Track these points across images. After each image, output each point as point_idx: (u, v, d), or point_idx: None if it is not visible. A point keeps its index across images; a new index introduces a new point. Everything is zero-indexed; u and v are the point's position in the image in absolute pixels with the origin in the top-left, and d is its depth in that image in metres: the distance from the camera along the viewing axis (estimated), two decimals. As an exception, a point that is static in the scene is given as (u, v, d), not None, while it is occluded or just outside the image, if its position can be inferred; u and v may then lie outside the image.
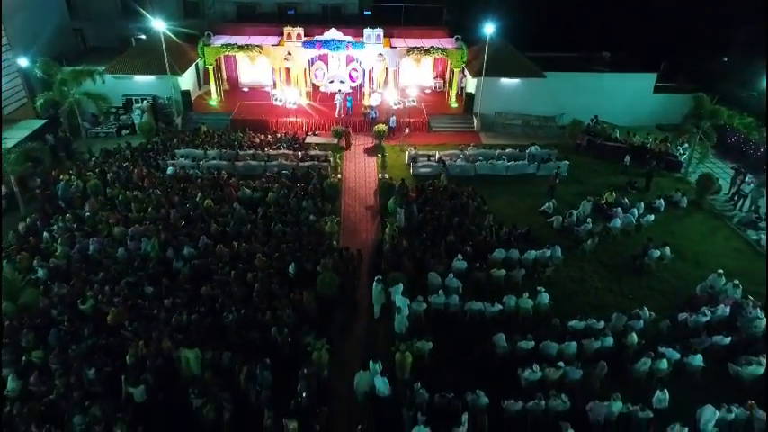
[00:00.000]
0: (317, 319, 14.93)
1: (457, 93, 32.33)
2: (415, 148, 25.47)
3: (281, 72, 30.76)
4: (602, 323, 14.53)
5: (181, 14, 34.50)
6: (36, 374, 12.42)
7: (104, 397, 11.93)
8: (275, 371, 12.70)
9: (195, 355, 12.61)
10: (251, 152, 24.70)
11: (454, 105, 31.92)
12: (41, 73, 24.06)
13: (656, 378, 13.19)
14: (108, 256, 16.91)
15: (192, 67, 31.07)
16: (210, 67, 30.14)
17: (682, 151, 25.79)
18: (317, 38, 29.33)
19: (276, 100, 28.27)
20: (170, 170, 22.67)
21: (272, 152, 24.86)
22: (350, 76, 31.14)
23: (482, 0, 37.34)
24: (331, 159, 23.81)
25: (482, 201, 21.47)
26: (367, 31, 29.44)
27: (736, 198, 22.79)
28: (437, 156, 25.19)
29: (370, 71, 30.84)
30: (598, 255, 18.99)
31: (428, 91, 33.90)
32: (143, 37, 33.41)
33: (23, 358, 13.02)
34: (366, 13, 33.61)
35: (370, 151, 27.04)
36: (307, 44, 29.35)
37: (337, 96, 29.49)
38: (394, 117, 28.28)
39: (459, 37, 30.47)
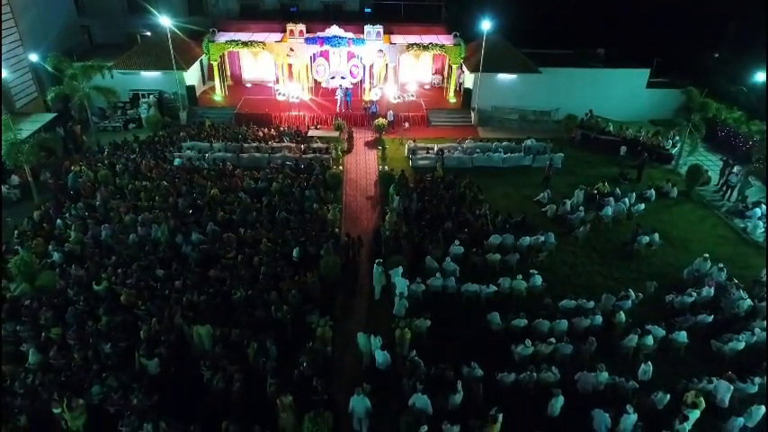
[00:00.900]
0: (320, 299, 15.56)
1: (455, 88, 32.95)
2: (414, 142, 26.11)
3: (283, 68, 31.35)
4: (591, 303, 15.16)
5: (185, 12, 35.06)
6: (55, 349, 13.05)
7: (121, 369, 12.56)
8: (280, 347, 13.36)
9: (207, 330, 13.25)
10: (255, 145, 25.32)
11: (452, 100, 32.54)
12: (51, 68, 24.64)
13: (642, 353, 13.84)
14: (120, 242, 17.54)
15: (197, 63, 31.66)
16: (215, 63, 30.75)
17: (672, 144, 26.39)
18: (319, 34, 29.93)
19: (279, 95, 28.87)
20: (177, 161, 23.29)
21: (275, 145, 25.48)
22: (351, 72, 31.71)
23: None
24: (333, 151, 24.43)
25: (479, 191, 22.07)
26: (367, 27, 30.04)
27: (724, 189, 23.42)
28: (435, 148, 25.83)
29: (371, 67, 31.43)
30: (590, 241, 19.63)
31: (427, 86, 34.51)
32: (148, 34, 34.06)
33: (42, 334, 13.67)
34: (367, 10, 34.21)
35: (370, 144, 27.67)
36: (309, 40, 29.95)
37: (338, 91, 30.12)
38: (391, 111, 28.88)
39: (458, 33, 31.10)
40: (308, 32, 30.47)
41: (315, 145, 25.64)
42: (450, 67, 32.55)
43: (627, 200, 21.51)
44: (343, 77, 31.72)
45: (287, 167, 22.99)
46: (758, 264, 18.13)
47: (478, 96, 30.14)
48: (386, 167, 24.49)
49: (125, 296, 14.79)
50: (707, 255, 17.30)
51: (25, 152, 20.02)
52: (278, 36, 31.46)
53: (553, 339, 13.63)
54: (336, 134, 27.70)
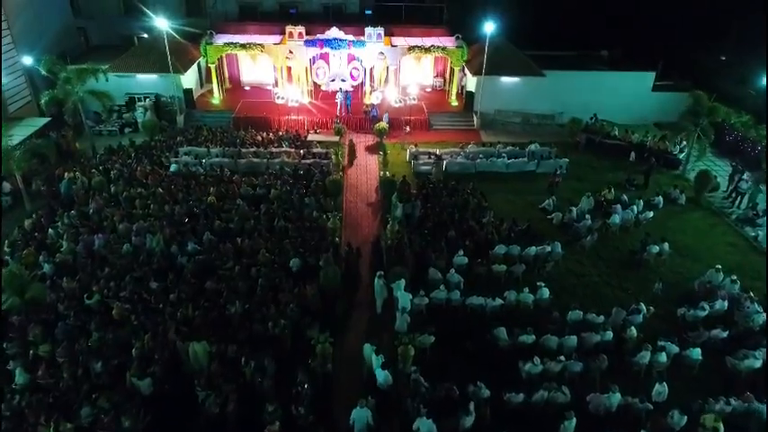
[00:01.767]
0: (320, 312, 15.03)
1: (457, 91, 32.42)
2: (415, 146, 25.58)
3: (282, 70, 30.83)
4: (601, 318, 14.63)
5: (183, 13, 34.53)
6: (44, 367, 12.52)
7: (112, 389, 12.02)
8: (279, 363, 12.84)
9: (203, 347, 12.71)
10: (253, 150, 24.78)
11: (454, 104, 32.01)
12: (45, 71, 24.08)
13: (656, 371, 13.31)
14: (113, 252, 17.00)
15: (195, 66, 31.14)
16: (213, 66, 30.22)
17: (680, 149, 25.87)
18: (319, 36, 29.42)
19: (278, 98, 28.35)
20: (173, 167, 22.76)
21: (274, 150, 24.94)
22: (351, 75, 31.17)
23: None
24: (333, 157, 23.88)
25: (482, 197, 21.58)
26: (368, 29, 29.53)
27: (733, 195, 22.90)
28: (437, 152, 25.31)
29: (371, 69, 30.92)
30: (597, 250, 19.11)
31: (429, 89, 34.01)
32: (145, 36, 33.46)
33: (30, 352, 13.13)
34: (367, 12, 33.68)
35: (371, 149, 27.13)
36: (308, 43, 29.43)
37: (338, 95, 29.60)
38: (387, 114, 28.31)
39: (460, 36, 30.57)
40: (307, 34, 29.96)
41: (314, 150, 25.12)
42: (452, 69, 32.03)
43: (634, 207, 20.98)
44: (343, 80, 31.20)
45: (286, 173, 22.47)
46: (771, 274, 17.62)
47: (481, 100, 29.59)
48: (387, 173, 23.95)
49: (117, 310, 14.26)
50: (719, 266, 16.74)
51: (16, 159, 19.46)
52: (277, 38, 30.94)
53: (562, 357, 13.11)
54: (336, 138, 27.18)
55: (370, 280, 16.65)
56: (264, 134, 27.12)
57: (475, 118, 30.19)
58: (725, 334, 14.30)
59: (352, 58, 30.67)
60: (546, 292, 15.65)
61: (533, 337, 13.79)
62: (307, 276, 16.01)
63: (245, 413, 11.82)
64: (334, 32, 29.39)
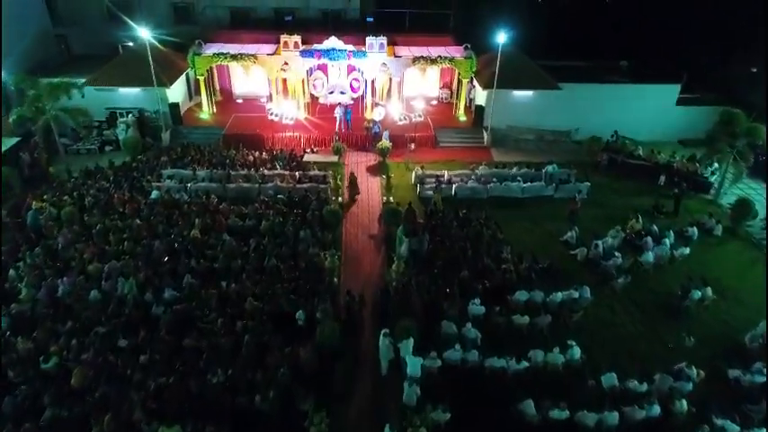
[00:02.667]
0: (315, 376, 13.10)
1: (465, 104, 30.51)
2: (422, 168, 23.65)
3: (277, 83, 28.95)
4: (644, 386, 12.68)
5: (171, 20, 32.70)
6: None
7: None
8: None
9: (174, 433, 10.77)
10: (244, 173, 22.87)
11: (462, 118, 30.10)
12: (14, 87, 22.18)
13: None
14: (79, 299, 15.06)
15: (183, 77, 29.28)
16: (201, 78, 28.31)
17: (711, 171, 23.95)
18: (316, 46, 27.53)
19: (272, 115, 26.47)
20: (154, 194, 20.83)
21: (267, 172, 23.02)
22: (351, 87, 29.27)
23: (490, 6, 35.53)
24: (331, 181, 21.93)
25: (497, 228, 19.68)
26: (369, 39, 27.64)
27: (774, 224, 21.00)
28: (445, 176, 23.41)
29: (373, 81, 29.06)
30: (629, 293, 17.18)
31: (434, 102, 32.15)
32: (131, 44, 31.61)
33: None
34: (368, 19, 31.78)
35: (372, 170, 25.22)
36: (305, 53, 27.53)
37: (337, 109, 27.69)
38: (387, 132, 26.39)
39: (468, 45, 28.67)
40: (304, 44, 28.09)
41: (311, 173, 23.19)
42: (459, 81, 30.17)
43: (666, 240, 19.07)
44: (342, 92, 29.33)
45: (279, 201, 20.57)
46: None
47: (492, 114, 27.67)
48: (391, 198, 22.09)
49: (77, 377, 12.32)
50: (773, 317, 14.82)
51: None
52: (271, 47, 29.07)
53: (603, 440, 11.18)
54: (335, 158, 25.29)
55: (373, 331, 14.78)
56: (257, 153, 25.20)
57: (485, 134, 28.29)
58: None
59: (352, 69, 28.80)
60: (577, 352, 13.71)
61: (567, 413, 11.83)
62: (301, 329, 14.13)
63: None
64: (332, 42, 27.50)
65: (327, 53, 27.37)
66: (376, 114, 27.06)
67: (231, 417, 11.71)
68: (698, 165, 23.95)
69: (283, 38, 27.53)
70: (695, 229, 20.04)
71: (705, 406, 12.43)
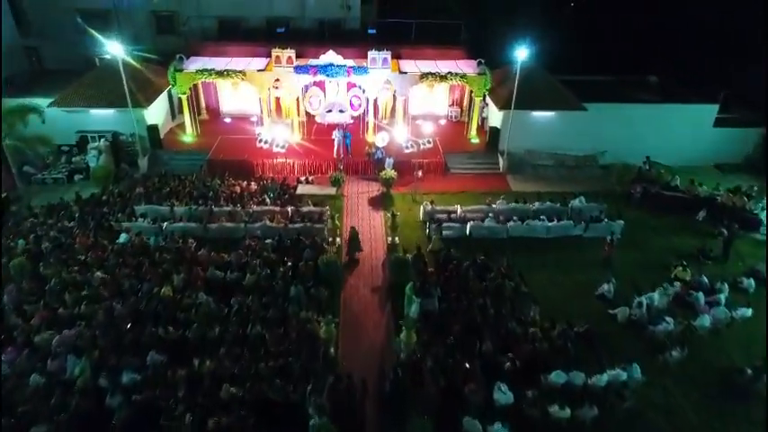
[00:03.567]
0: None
1: (477, 124, 27.96)
2: (431, 204, 21.10)
3: (270, 101, 26.46)
4: None
5: (153, 31, 30.29)
6: None
7: None
8: None
9: None
10: (228, 209, 20.35)
11: (474, 140, 27.57)
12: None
13: None
14: (18, 387, 12.50)
15: (164, 95, 26.82)
16: (184, 96, 25.77)
17: (762, 206, 21.41)
18: (312, 62, 25.01)
19: (261, 142, 23.97)
20: (123, 238, 18.31)
21: (255, 208, 20.51)
22: (351, 104, 26.68)
23: (505, 15, 33.07)
24: (329, 221, 19.37)
25: (521, 280, 17.16)
26: (372, 53, 25.14)
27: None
28: (458, 211, 20.92)
29: (375, 100, 26.59)
30: (684, 367, 14.60)
31: (443, 121, 29.67)
32: (109, 57, 29.09)
33: None
34: (370, 31, 29.34)
35: (375, 202, 22.70)
36: (299, 69, 25.02)
37: (335, 133, 25.15)
38: (391, 159, 23.90)
39: (482, 61, 26.18)
40: (299, 57, 25.61)
41: (305, 209, 20.66)
42: (471, 97, 27.69)
43: (722, 296, 16.54)
44: (341, 111, 26.71)
45: (267, 247, 18.04)
46: None
47: (509, 137, 25.14)
48: (396, 239, 19.58)
49: None
50: None
51: None
52: (262, 62, 26.59)
53: None
54: (333, 191, 22.78)
55: (376, 421, 12.27)
56: (244, 183, 22.71)
57: (501, 159, 25.75)
58: None
59: (352, 85, 26.29)
60: (635, 463, 11.13)
61: None
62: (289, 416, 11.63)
63: None
64: (330, 57, 24.99)
65: (324, 69, 24.85)
66: (379, 140, 24.50)
67: None
68: (745, 199, 21.40)
69: (275, 52, 25.04)
70: (751, 280, 17.50)
71: None
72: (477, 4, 33.28)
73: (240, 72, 25.23)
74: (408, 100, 27.13)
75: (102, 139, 24.32)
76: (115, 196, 21.38)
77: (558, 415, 12.27)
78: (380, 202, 22.63)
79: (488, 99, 26.95)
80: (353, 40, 29.00)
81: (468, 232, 20.08)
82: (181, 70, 25.15)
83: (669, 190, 22.84)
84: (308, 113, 27.18)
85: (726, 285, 17.11)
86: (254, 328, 14.36)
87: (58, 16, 29.45)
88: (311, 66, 24.92)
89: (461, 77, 25.87)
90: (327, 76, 25.12)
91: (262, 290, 16.02)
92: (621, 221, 20.40)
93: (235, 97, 28.98)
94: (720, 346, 15.35)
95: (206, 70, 25.09)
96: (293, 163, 24.71)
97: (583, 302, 16.90)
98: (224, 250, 17.91)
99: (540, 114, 25.64)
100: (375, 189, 23.66)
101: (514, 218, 20.34)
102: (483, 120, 28.38)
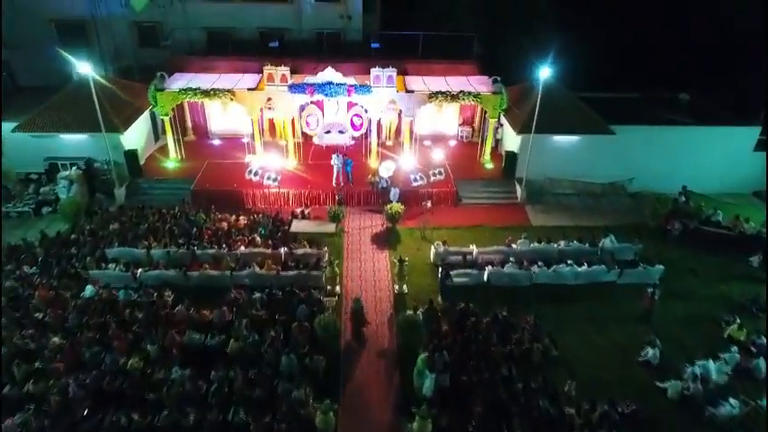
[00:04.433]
0: None
1: (492, 147, 25.73)
2: (443, 244, 18.86)
3: (261, 122, 24.28)
4: None
5: (134, 43, 28.16)
6: None
7: None
8: None
9: None
10: (212, 251, 18.15)
11: (488, 165, 25.32)
12: None
13: None
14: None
15: (146, 115, 24.72)
16: (166, 118, 23.58)
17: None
18: (309, 80, 22.82)
19: (251, 173, 21.79)
20: (89, 291, 16.15)
21: (243, 250, 18.30)
22: (352, 123, 24.43)
23: (520, 27, 30.85)
24: (327, 269, 17.10)
25: (551, 342, 14.99)
26: (375, 71, 22.97)
27: None
28: (474, 253, 18.72)
29: (379, 121, 24.43)
30: (751, 458, 12.41)
31: (452, 142, 27.47)
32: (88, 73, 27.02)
33: None
34: (374, 45, 27.15)
35: (379, 240, 20.48)
36: (294, 88, 22.82)
37: (334, 159, 22.97)
38: (397, 189, 21.74)
39: (498, 78, 24.01)
40: (294, 73, 23.45)
41: (300, 251, 18.44)
42: (484, 116, 25.51)
43: (787, 363, 14.35)
44: (341, 131, 24.46)
45: (256, 301, 15.86)
46: None
47: (528, 164, 22.93)
48: (405, 288, 17.40)
49: None
50: None
51: None
52: (254, 79, 24.43)
53: None
54: (332, 227, 20.58)
55: None
56: (233, 218, 20.53)
57: (518, 188, 23.53)
58: None
59: (353, 103, 24.09)
60: None
61: None
62: None
63: None
64: (328, 74, 22.79)
65: (322, 88, 22.63)
66: (383, 170, 22.29)
67: None
68: (801, 238, 19.21)
69: (268, 70, 22.87)
70: (816, 342, 15.29)
71: None
72: (490, 14, 31.05)
73: (229, 91, 23.06)
74: (415, 121, 24.91)
75: (74, 167, 22.13)
76: (86, 235, 19.21)
77: None
78: (385, 240, 20.41)
79: (504, 119, 24.78)
80: (355, 53, 26.84)
81: (486, 279, 17.87)
82: (162, 89, 22.94)
83: (710, 225, 20.61)
84: (304, 134, 25.03)
85: (787, 348, 14.93)
86: (236, 414, 12.19)
87: (31, 28, 27.25)
88: (308, 84, 22.72)
89: (475, 97, 23.66)
90: (326, 95, 22.92)
91: (248, 359, 13.85)
92: (661, 266, 18.18)
93: (224, 116, 26.83)
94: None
95: (190, 89, 22.91)
96: (287, 193, 22.50)
97: (624, 371, 14.73)
98: (206, 305, 15.76)
99: (561, 138, 23.45)
100: (379, 223, 21.47)
101: (539, 263, 18.11)
102: (497, 141, 26.20)
